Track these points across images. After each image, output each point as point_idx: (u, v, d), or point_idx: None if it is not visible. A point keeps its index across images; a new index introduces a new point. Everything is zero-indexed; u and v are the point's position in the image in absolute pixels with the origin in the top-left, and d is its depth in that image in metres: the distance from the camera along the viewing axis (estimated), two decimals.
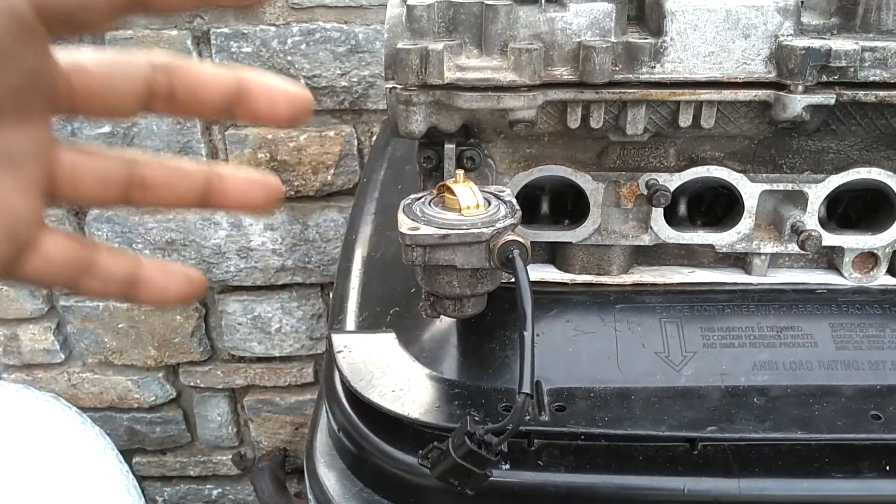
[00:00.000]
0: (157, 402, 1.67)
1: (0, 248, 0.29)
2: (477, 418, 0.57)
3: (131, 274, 0.33)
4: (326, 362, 0.71)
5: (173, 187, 0.33)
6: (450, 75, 0.58)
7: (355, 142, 1.39)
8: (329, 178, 1.42)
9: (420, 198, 0.60)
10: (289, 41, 1.30)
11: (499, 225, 0.55)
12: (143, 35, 1.30)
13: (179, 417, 1.70)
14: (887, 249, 0.67)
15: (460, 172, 0.58)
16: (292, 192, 1.43)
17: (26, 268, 0.31)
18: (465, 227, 0.55)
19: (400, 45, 0.57)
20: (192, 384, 1.65)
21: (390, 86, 0.59)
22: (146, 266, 0.34)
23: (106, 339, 1.58)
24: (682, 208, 0.70)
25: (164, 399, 1.67)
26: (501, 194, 0.60)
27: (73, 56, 0.30)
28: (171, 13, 0.31)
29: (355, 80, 1.33)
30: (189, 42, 1.31)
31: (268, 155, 1.40)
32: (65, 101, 0.30)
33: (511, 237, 0.54)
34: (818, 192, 0.65)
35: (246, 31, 1.30)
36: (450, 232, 0.55)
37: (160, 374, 1.64)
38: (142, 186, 0.33)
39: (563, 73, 0.59)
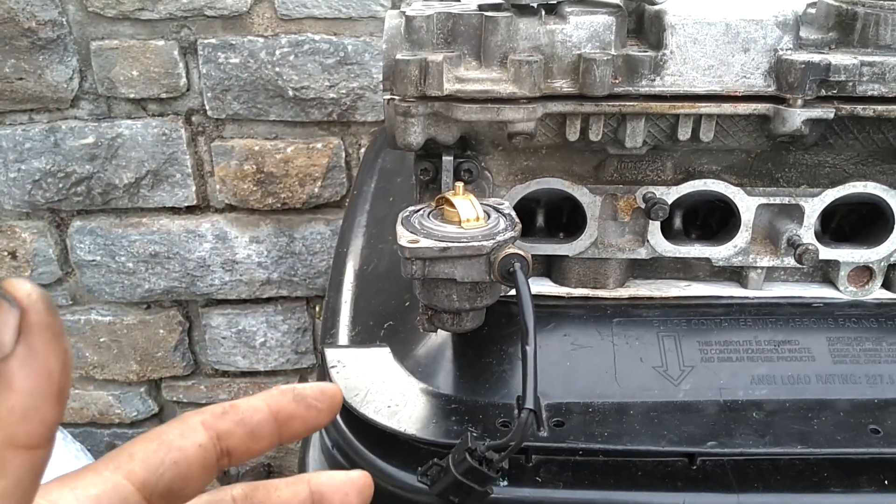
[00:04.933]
0: (139, 418, 1.64)
1: None
2: (475, 434, 0.56)
3: None
4: (319, 377, 0.70)
5: None
6: (449, 87, 0.57)
7: (343, 154, 1.39)
8: (316, 190, 1.41)
9: (418, 210, 0.59)
10: (277, 52, 1.29)
11: (499, 238, 0.55)
12: (128, 45, 1.29)
13: None
14: (882, 263, 0.67)
15: (460, 185, 0.58)
16: (279, 205, 1.42)
17: None
18: (465, 239, 0.54)
19: (399, 56, 0.57)
20: (174, 399, 1.63)
21: (388, 97, 0.59)
22: None
23: (87, 354, 1.56)
24: (678, 221, 0.69)
25: (146, 414, 1.64)
26: (500, 207, 0.59)
27: None
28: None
29: (344, 92, 1.32)
30: (176, 53, 1.30)
31: (254, 167, 1.38)
32: None
33: (512, 250, 0.54)
34: (814, 205, 0.65)
35: (234, 42, 1.29)
36: (450, 245, 0.54)
37: (142, 389, 1.62)
38: None
39: (562, 85, 0.59)
